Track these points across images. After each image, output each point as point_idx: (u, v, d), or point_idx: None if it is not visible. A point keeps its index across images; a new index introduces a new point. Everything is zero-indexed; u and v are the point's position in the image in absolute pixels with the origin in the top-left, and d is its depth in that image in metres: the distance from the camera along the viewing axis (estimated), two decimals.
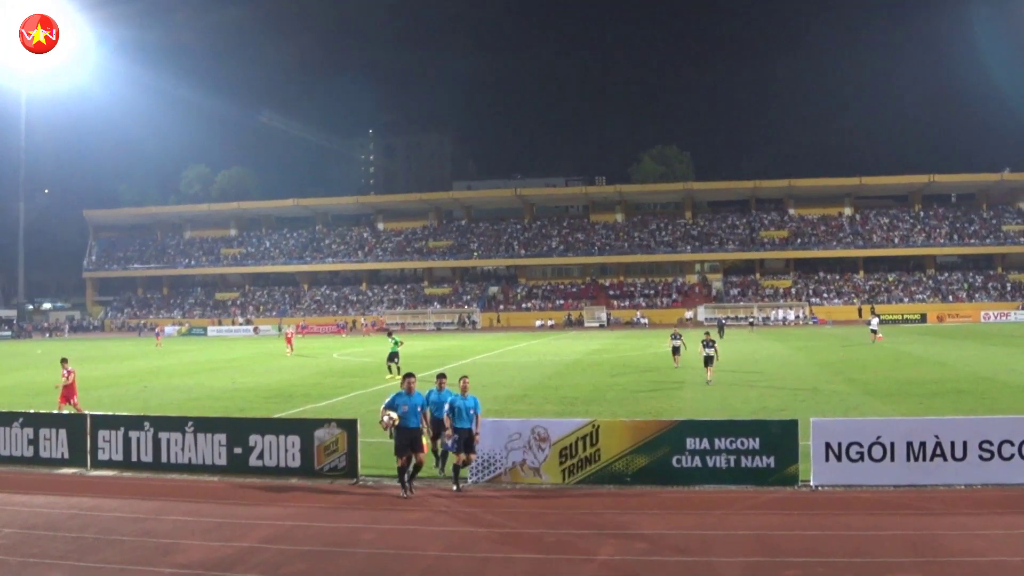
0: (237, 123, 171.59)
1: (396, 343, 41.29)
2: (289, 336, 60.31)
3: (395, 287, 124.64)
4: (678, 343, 40.80)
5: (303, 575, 12.08)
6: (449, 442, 16.79)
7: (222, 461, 18.13)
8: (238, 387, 36.50)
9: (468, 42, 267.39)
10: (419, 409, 16.56)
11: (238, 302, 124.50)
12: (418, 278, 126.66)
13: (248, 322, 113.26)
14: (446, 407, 16.95)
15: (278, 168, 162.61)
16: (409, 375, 17.28)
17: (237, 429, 18.52)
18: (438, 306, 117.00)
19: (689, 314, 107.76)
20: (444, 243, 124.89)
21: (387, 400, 16.65)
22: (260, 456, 17.92)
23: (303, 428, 18.19)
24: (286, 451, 17.81)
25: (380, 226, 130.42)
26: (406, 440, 16.25)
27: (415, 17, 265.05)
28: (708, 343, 34.01)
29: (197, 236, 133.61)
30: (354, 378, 39.74)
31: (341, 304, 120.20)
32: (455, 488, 16.64)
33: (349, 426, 17.69)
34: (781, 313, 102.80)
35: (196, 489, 17.23)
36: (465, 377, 17.82)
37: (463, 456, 16.71)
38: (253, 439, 18.03)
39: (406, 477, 16.34)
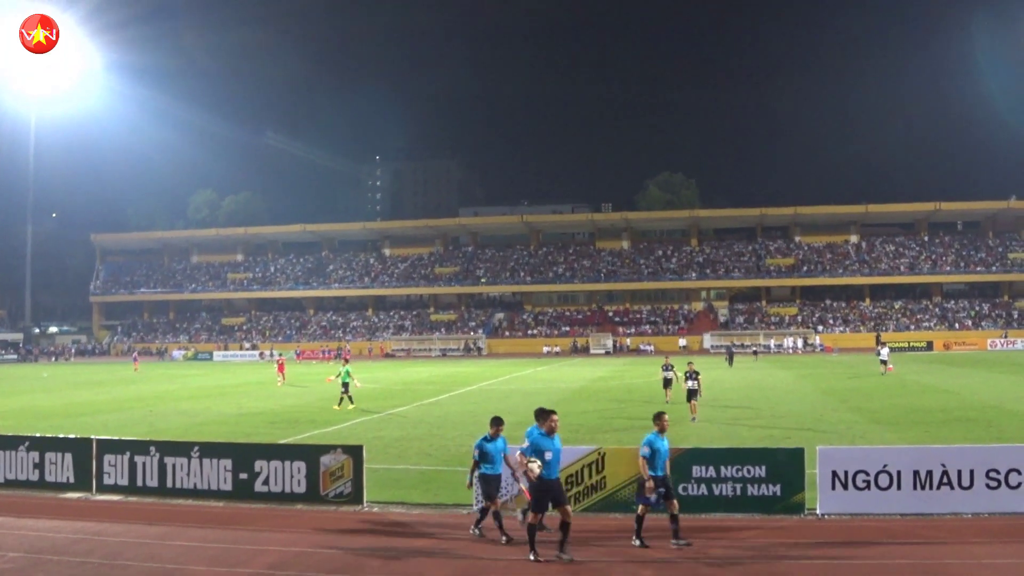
0: (245, 148, 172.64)
1: (347, 373, 37.96)
2: (281, 363, 56.22)
3: (401, 313, 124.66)
4: (670, 375, 36.73)
5: None
6: (652, 496, 14.28)
7: (228, 486, 18.10)
8: (244, 412, 36.53)
9: (476, 69, 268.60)
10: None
11: (244, 327, 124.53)
12: (424, 304, 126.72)
13: (254, 347, 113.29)
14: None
15: (285, 193, 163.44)
16: (550, 412, 14.75)
17: (243, 454, 18.50)
18: (444, 332, 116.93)
19: (683, 342, 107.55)
20: (450, 269, 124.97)
21: (526, 444, 14.40)
22: (266, 482, 17.90)
23: (309, 454, 18.17)
24: (292, 477, 17.79)
25: (386, 252, 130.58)
26: (547, 493, 13.93)
27: (423, 43, 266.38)
28: (691, 374, 31.49)
29: (204, 261, 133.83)
30: (360, 404, 39.68)
31: (347, 330, 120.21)
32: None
33: (355, 452, 17.67)
34: (788, 341, 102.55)
35: (201, 514, 17.20)
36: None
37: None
38: (259, 464, 18.02)
39: (536, 537, 13.95)
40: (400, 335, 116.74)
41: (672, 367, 36.63)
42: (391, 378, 59.79)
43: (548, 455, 13.92)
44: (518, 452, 14.44)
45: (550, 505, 14.06)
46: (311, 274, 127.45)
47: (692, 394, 31.03)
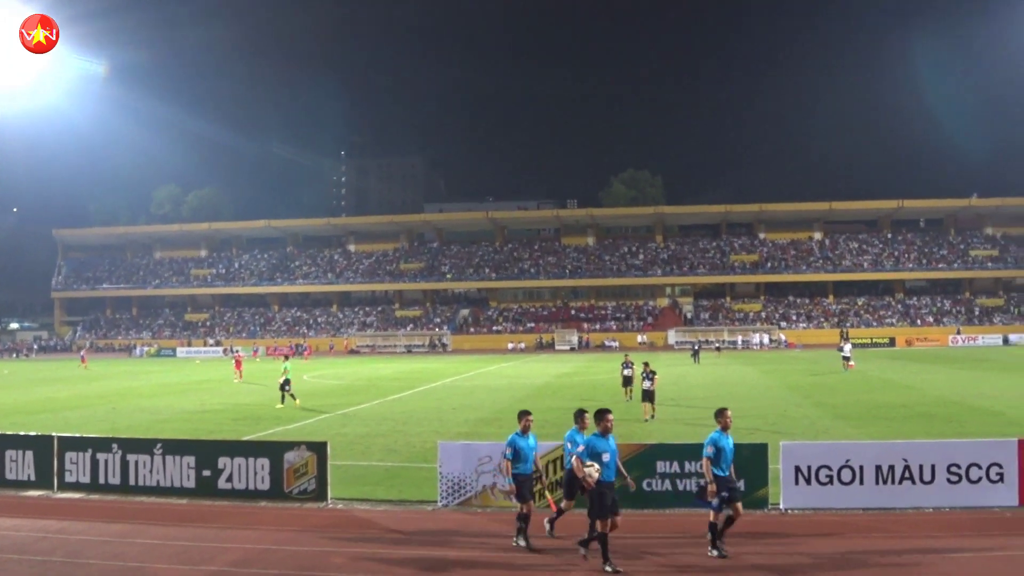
0: (209, 143, 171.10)
1: (286, 369, 37.09)
2: (239, 360, 55.52)
3: (366, 309, 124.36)
4: (629, 372, 36.22)
5: None
6: (715, 502, 13.52)
7: (191, 484, 18.00)
8: (207, 409, 36.31)
9: (441, 65, 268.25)
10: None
11: (208, 323, 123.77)
12: (389, 300, 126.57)
13: (218, 343, 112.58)
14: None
15: (249, 189, 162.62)
16: (606, 411, 13.79)
17: (206, 451, 18.40)
18: (409, 328, 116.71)
19: (642, 338, 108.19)
20: (415, 265, 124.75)
21: (581, 447, 13.47)
22: (229, 479, 17.82)
23: (273, 451, 18.10)
24: (255, 474, 17.71)
25: (351, 248, 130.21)
26: (607, 497, 13.11)
27: (389, 39, 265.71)
28: (647, 374, 31.04)
29: (167, 256, 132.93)
30: (324, 400, 39.57)
31: (312, 326, 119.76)
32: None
33: (319, 449, 17.61)
34: (755, 337, 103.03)
35: (164, 512, 17.09)
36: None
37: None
38: (222, 461, 17.93)
39: (608, 548, 13.09)
40: (365, 331, 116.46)
41: (632, 364, 36.21)
42: (356, 374, 59.64)
43: (606, 456, 13.22)
44: (573, 456, 13.58)
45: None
46: (275, 270, 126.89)
47: (648, 395, 30.69)
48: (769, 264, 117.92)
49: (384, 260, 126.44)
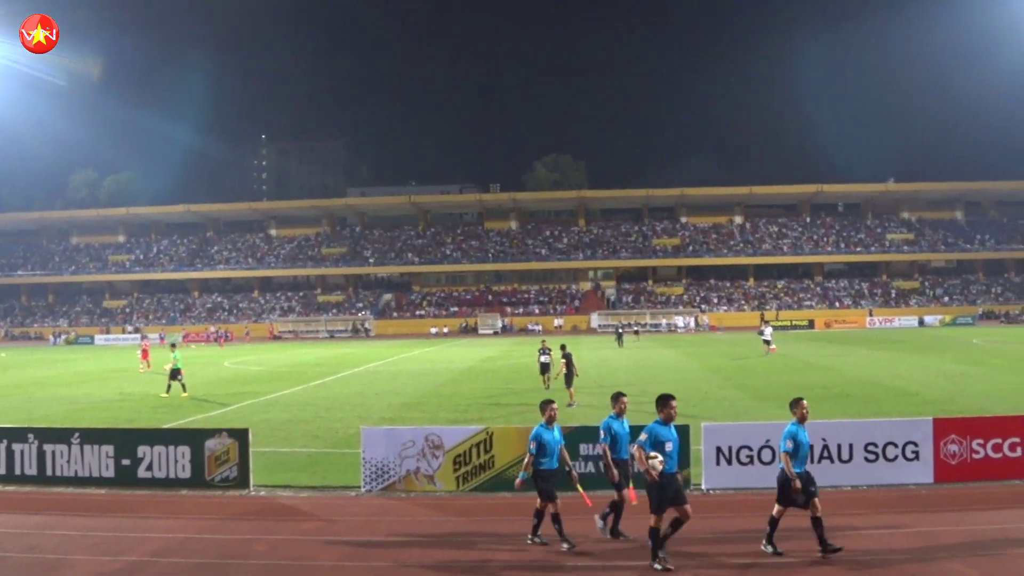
0: (126, 127, 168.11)
1: (175, 359, 35.82)
2: (145, 348, 52.00)
3: (288, 294, 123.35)
4: (547, 359, 34.93)
5: None
6: (799, 499, 12.71)
7: (110, 473, 17.74)
8: (126, 397, 35.80)
9: (363, 48, 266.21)
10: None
11: (126, 310, 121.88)
12: (311, 285, 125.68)
13: (136, 330, 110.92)
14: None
15: (168, 173, 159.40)
16: (669, 397, 12.95)
17: (125, 440, 18.14)
18: (331, 313, 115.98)
19: (558, 322, 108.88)
20: (338, 250, 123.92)
21: (644, 435, 12.57)
22: (149, 467, 17.59)
23: (193, 438, 17.89)
24: (176, 462, 17.51)
25: (273, 232, 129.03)
26: (669, 490, 12.39)
27: (309, 22, 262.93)
28: (566, 358, 31.07)
29: (84, 242, 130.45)
30: (246, 387, 39.22)
31: (233, 312, 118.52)
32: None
33: (240, 436, 17.46)
34: (679, 320, 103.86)
35: (83, 502, 16.83)
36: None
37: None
38: (142, 450, 17.69)
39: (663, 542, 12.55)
40: (287, 317, 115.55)
41: (550, 350, 35.38)
42: (278, 360, 59.20)
43: (669, 446, 12.43)
44: (635, 445, 12.58)
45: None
46: (195, 255, 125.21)
47: (567, 378, 30.74)
48: (691, 248, 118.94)
49: (306, 245, 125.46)
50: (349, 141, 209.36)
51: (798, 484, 12.52)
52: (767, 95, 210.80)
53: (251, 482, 17.38)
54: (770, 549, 12.78)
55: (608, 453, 13.56)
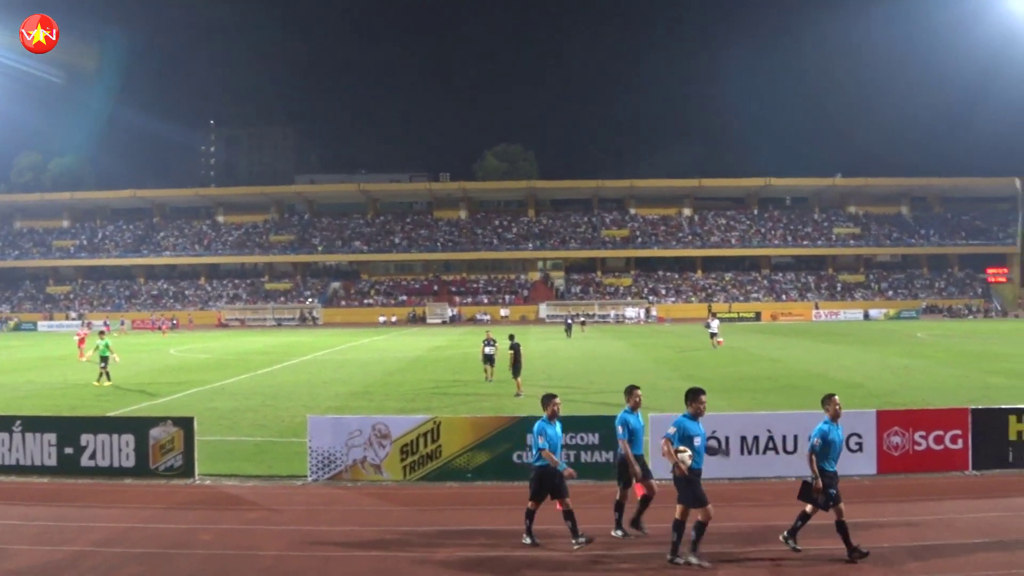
0: (72, 110, 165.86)
1: (105, 347, 35.32)
2: (82, 337, 49.73)
3: (235, 281, 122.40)
4: (492, 350, 34.28)
5: None
6: (821, 500, 12.34)
7: (52, 462, 17.52)
8: (69, 384, 35.41)
9: (313, 34, 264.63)
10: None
11: (71, 296, 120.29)
12: (258, 273, 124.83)
13: (80, 317, 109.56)
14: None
15: (114, 158, 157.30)
16: (700, 391, 12.73)
17: (68, 428, 17.91)
18: (279, 301, 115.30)
19: (505, 312, 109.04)
20: (285, 237, 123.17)
21: (673, 428, 12.33)
22: (92, 456, 17.38)
23: (137, 427, 17.72)
24: (120, 450, 17.32)
25: (220, 219, 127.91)
26: (698, 484, 12.11)
27: (259, 7, 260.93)
28: (514, 348, 30.99)
29: (27, 227, 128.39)
30: (191, 375, 38.90)
31: (179, 299, 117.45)
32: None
33: (185, 424, 17.31)
34: (630, 311, 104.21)
35: (24, 491, 16.63)
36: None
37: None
38: (85, 439, 17.48)
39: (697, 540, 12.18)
40: (234, 304, 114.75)
41: (495, 342, 34.68)
42: (224, 348, 58.79)
43: (697, 441, 12.21)
44: (662, 439, 12.39)
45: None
46: (141, 241, 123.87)
47: (515, 369, 30.56)
48: (639, 239, 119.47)
49: (254, 232, 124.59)
50: (298, 128, 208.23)
51: (820, 483, 12.18)
52: (717, 89, 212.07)
53: (196, 471, 17.24)
54: (791, 545, 12.49)
55: (628, 449, 13.32)
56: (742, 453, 16.82)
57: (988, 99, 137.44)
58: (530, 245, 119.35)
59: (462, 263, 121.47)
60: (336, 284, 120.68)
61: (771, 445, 16.79)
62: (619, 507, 13.49)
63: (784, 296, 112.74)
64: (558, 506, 12.90)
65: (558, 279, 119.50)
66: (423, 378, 36.27)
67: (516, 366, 30.63)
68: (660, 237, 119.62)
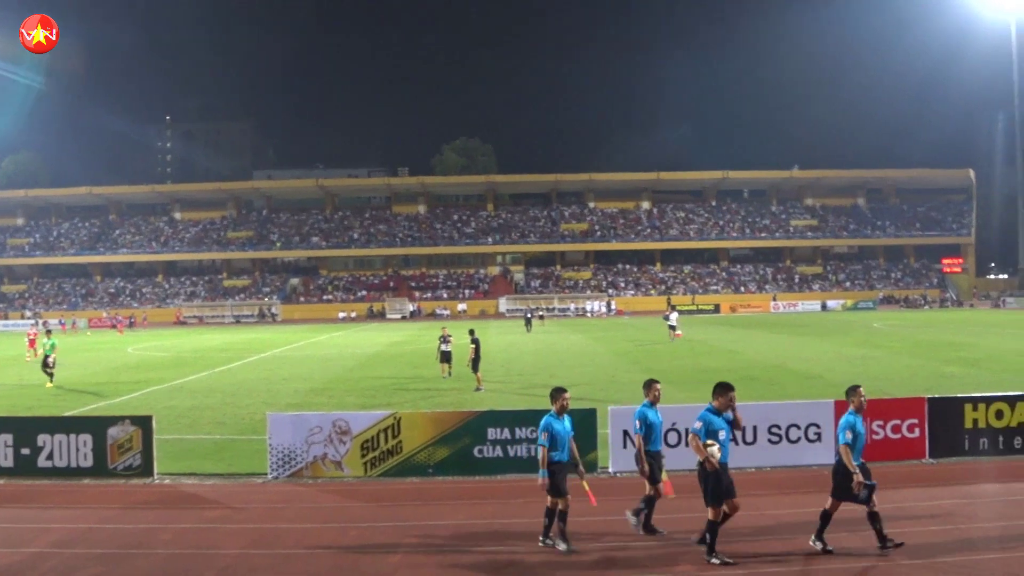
0: (27, 106, 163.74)
1: (51, 346, 34.59)
2: (32, 337, 48.68)
3: (193, 279, 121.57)
4: (448, 348, 33.02)
5: None
6: (862, 494, 11.86)
7: (8, 463, 17.32)
8: (25, 384, 35.06)
9: (270, 29, 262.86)
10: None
11: (25, 295, 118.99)
12: (216, 269, 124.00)
13: (35, 316, 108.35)
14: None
15: (70, 154, 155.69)
16: (729, 386, 12.47)
17: (24, 428, 17.71)
18: (237, 298, 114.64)
19: (462, 307, 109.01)
20: (244, 234, 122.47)
21: (699, 423, 12.20)
22: (50, 456, 17.20)
23: (95, 426, 17.53)
24: (77, 450, 17.15)
25: (177, 216, 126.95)
26: (725, 480, 11.96)
27: (215, 1, 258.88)
28: (474, 343, 30.61)
29: None
30: (150, 373, 38.61)
31: (136, 297, 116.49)
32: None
33: (144, 423, 17.18)
34: (590, 304, 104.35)
35: None
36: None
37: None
38: (42, 439, 17.29)
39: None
40: (192, 301, 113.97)
41: (450, 339, 33.34)
42: (182, 346, 58.40)
43: (722, 435, 12.04)
44: (690, 434, 12.30)
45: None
46: (97, 239, 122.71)
47: (474, 363, 30.37)
48: (598, 233, 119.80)
49: (211, 228, 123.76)
50: (256, 123, 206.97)
51: (860, 478, 11.74)
52: (675, 83, 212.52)
53: (155, 470, 17.11)
54: (819, 545, 12.04)
55: (641, 444, 13.18)
56: None
57: (943, 92, 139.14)
58: (489, 239, 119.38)
59: (421, 258, 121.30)
60: (295, 280, 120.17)
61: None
62: (648, 503, 13.18)
63: (742, 288, 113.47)
64: (560, 504, 12.50)
65: (517, 273, 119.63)
66: (383, 374, 36.20)
67: (476, 361, 30.51)
68: (619, 230, 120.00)
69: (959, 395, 19.28)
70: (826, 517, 12.09)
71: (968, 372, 31.79)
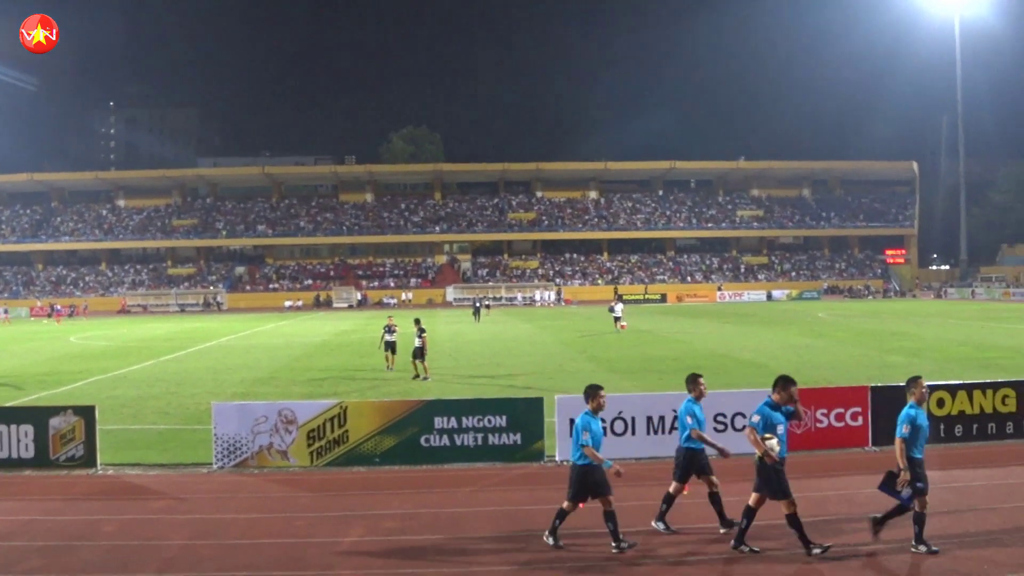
0: None
1: None
2: None
3: (137, 267, 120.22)
4: (393, 337, 32.22)
5: (40, 572, 11.52)
6: (905, 492, 11.47)
7: None
8: None
9: (214, 15, 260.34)
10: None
11: None
12: (161, 258, 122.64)
13: None
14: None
15: (8, 140, 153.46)
16: (792, 380, 12.24)
17: None
18: (182, 287, 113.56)
19: (408, 295, 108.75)
20: (189, 221, 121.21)
21: (757, 417, 11.82)
22: None
23: (36, 416, 17.30)
24: (18, 441, 16.90)
25: (121, 203, 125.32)
26: (784, 474, 11.69)
27: None
28: (419, 333, 29.65)
29: None
30: (92, 363, 38.17)
31: (79, 285, 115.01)
32: None
33: (87, 413, 16.96)
34: (539, 294, 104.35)
35: None
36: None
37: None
38: None
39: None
40: (136, 290, 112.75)
41: (395, 328, 32.55)
42: (127, 335, 57.79)
43: (780, 428, 11.69)
44: (747, 427, 11.83)
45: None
46: (39, 226, 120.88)
47: (419, 352, 29.70)
48: (546, 222, 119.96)
49: (156, 216, 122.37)
50: (202, 110, 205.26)
51: (907, 475, 11.34)
52: (622, 73, 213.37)
53: (98, 461, 16.92)
54: (922, 549, 11.47)
55: (704, 435, 12.86)
56: (648, 433, 17.02)
57: (888, 86, 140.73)
58: (437, 228, 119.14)
59: (368, 247, 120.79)
60: (241, 269, 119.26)
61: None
62: (669, 500, 12.89)
63: (689, 278, 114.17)
64: (608, 504, 11.91)
65: (465, 262, 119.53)
66: (330, 363, 36.06)
67: (422, 351, 30.02)
68: (566, 220, 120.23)
69: (902, 384, 19.47)
70: (919, 517, 11.51)
71: (910, 361, 32.20)
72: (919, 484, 11.32)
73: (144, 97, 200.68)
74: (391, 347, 32.22)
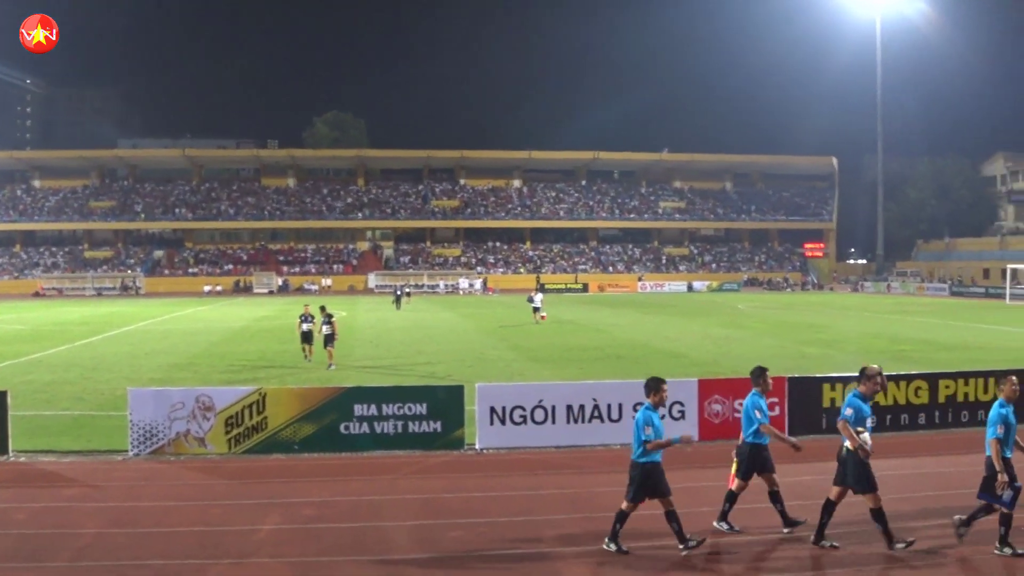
0: None
1: None
2: None
3: (52, 249, 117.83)
4: (309, 327, 30.88)
5: None
6: (1005, 495, 10.74)
7: None
8: None
9: None
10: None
11: None
12: (77, 240, 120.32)
13: None
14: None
15: None
16: (877, 369, 11.56)
17: None
18: (99, 270, 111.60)
19: (327, 281, 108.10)
20: (106, 204, 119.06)
21: (849, 410, 11.21)
22: None
23: None
24: None
25: (36, 184, 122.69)
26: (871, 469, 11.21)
27: None
28: (327, 319, 29.29)
29: None
30: (5, 347, 37.44)
31: None
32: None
33: None
34: (463, 281, 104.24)
35: None
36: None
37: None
38: None
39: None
40: (52, 273, 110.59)
41: (312, 318, 30.97)
42: (41, 319, 56.73)
43: (869, 421, 11.19)
44: (840, 420, 11.18)
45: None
46: None
47: (328, 340, 29.17)
48: (469, 210, 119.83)
49: (72, 197, 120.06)
50: (122, 91, 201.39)
51: (1005, 477, 10.65)
52: (546, 63, 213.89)
53: (10, 447, 16.60)
54: (1009, 551, 10.94)
55: (773, 430, 12.43)
56: (568, 422, 17.11)
57: (810, 82, 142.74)
58: (359, 214, 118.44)
59: (290, 232, 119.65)
60: (159, 252, 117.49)
61: (596, 414, 17.17)
62: (732, 498, 12.46)
63: (611, 268, 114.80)
64: (669, 504, 11.43)
65: (387, 249, 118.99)
66: (249, 349, 35.78)
67: (331, 338, 29.35)
68: (490, 208, 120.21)
69: (817, 375, 19.91)
70: (1006, 519, 10.93)
71: (826, 353, 32.80)
72: (1017, 484, 10.71)
73: (62, 76, 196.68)
74: (307, 337, 30.94)
